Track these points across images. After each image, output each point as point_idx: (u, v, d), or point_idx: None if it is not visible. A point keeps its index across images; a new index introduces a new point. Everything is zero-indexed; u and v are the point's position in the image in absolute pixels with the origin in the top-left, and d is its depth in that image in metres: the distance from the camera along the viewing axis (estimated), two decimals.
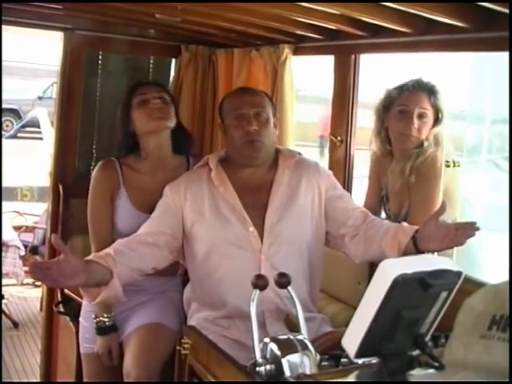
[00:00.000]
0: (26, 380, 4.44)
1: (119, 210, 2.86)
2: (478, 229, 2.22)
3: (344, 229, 2.58)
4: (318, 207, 2.61)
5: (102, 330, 2.79)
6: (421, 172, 2.84)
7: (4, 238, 5.49)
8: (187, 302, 2.73)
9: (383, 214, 3.08)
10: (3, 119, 15.38)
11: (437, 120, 2.87)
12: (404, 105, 2.88)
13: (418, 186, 2.85)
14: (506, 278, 1.43)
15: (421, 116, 2.85)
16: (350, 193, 3.12)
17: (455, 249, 2.94)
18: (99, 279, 2.21)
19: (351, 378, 1.64)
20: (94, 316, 2.80)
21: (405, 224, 2.48)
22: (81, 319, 2.98)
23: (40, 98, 16.99)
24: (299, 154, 2.74)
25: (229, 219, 2.53)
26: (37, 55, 17.25)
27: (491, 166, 8.14)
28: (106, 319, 2.78)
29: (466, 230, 2.23)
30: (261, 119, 2.55)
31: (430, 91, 2.87)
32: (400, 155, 2.93)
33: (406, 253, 2.33)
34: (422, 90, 2.88)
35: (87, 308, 2.92)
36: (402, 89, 2.92)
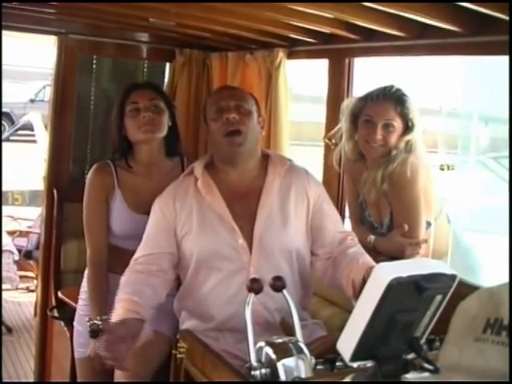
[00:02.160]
0: None
1: (114, 212, 2.85)
2: None
3: (320, 249, 2.52)
4: (305, 216, 2.53)
5: (95, 332, 2.78)
6: (393, 180, 2.80)
7: None
8: (177, 309, 2.70)
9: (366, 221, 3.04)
10: None
11: (407, 128, 2.82)
12: (369, 115, 2.84)
13: (394, 194, 2.83)
14: (499, 280, 1.43)
15: (386, 126, 2.80)
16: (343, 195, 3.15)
17: (449, 251, 2.97)
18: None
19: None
20: (87, 319, 2.79)
21: (362, 259, 2.34)
22: (75, 324, 2.97)
23: (32, 101, 16.99)
24: (289, 160, 2.65)
25: (217, 231, 2.44)
26: (28, 58, 17.21)
27: (480, 166, 8.14)
28: (100, 322, 2.77)
29: None
30: (241, 110, 2.47)
31: (397, 100, 2.80)
32: (371, 164, 2.91)
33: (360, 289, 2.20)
34: (387, 100, 2.82)
35: (81, 312, 2.92)
36: (367, 99, 2.88)
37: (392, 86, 2.85)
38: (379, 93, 2.86)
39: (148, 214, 2.60)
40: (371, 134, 2.81)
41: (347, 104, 2.99)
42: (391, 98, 2.82)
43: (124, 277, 2.46)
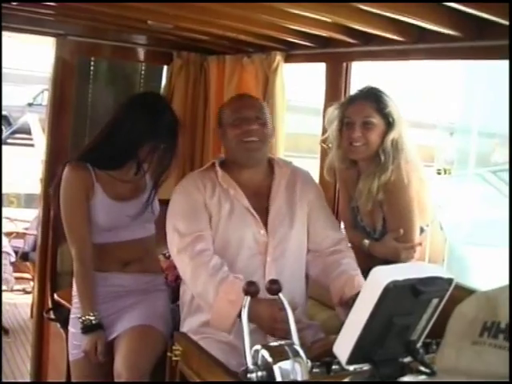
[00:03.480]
0: None
1: (97, 206, 2.86)
2: None
3: (311, 244, 2.67)
4: (306, 213, 2.69)
5: (88, 328, 2.80)
6: (388, 189, 2.80)
7: None
8: (182, 304, 2.72)
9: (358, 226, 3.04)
10: None
11: (388, 125, 2.81)
12: (348, 117, 2.84)
13: (389, 200, 2.84)
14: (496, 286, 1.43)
15: (365, 123, 2.80)
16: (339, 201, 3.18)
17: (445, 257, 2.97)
18: None
19: None
20: (79, 316, 2.81)
21: (356, 277, 2.48)
22: (69, 326, 2.98)
23: (30, 105, 16.91)
24: (291, 162, 2.81)
25: (245, 221, 2.57)
26: (27, 62, 17.19)
27: (478, 179, 8.14)
28: (93, 317, 2.79)
29: None
30: (260, 122, 2.62)
31: (374, 98, 2.81)
32: (363, 170, 2.90)
33: (348, 303, 2.34)
34: (364, 99, 2.83)
35: (74, 315, 2.94)
36: (346, 102, 2.91)
37: (369, 86, 2.87)
38: (356, 94, 2.89)
39: (127, 201, 2.82)
40: (351, 134, 2.82)
41: (331, 112, 2.99)
42: (367, 96, 2.83)
43: (192, 261, 2.44)
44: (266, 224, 2.58)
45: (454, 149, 9.16)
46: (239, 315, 2.18)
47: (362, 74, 3.35)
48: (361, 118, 2.80)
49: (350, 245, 2.82)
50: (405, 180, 2.77)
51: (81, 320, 2.80)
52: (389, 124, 2.80)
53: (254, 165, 2.65)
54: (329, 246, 2.65)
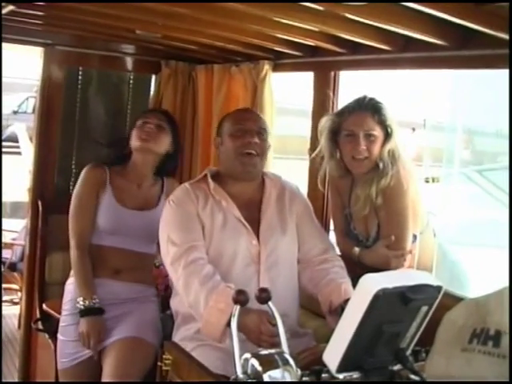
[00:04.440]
0: None
1: (103, 206, 3.00)
2: None
3: (300, 254, 2.69)
4: (295, 224, 2.70)
5: (89, 310, 2.85)
6: (387, 194, 2.80)
7: None
8: (176, 313, 2.71)
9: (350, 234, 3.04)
10: None
11: (387, 136, 2.82)
12: (349, 129, 2.83)
13: (386, 207, 2.82)
14: (486, 291, 1.44)
15: (368, 136, 2.80)
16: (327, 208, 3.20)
17: (434, 265, 2.97)
18: None
19: None
20: (81, 299, 2.86)
21: (343, 285, 2.48)
22: (59, 335, 2.99)
23: (15, 113, 16.87)
24: (280, 177, 2.83)
25: (238, 231, 2.58)
26: (11, 69, 17.13)
27: (463, 178, 8.15)
28: (95, 301, 2.86)
29: None
30: (261, 137, 2.65)
31: (373, 109, 2.81)
32: (361, 181, 2.89)
33: (337, 311, 2.38)
34: (364, 110, 2.82)
35: (65, 323, 2.96)
36: (343, 113, 2.88)
37: (365, 97, 2.86)
38: (354, 105, 2.86)
39: (133, 209, 2.89)
40: (355, 147, 2.80)
41: (324, 122, 2.96)
42: (367, 107, 2.82)
43: (184, 270, 2.44)
44: (257, 234, 2.59)
45: (415, 145, 9.17)
46: (229, 324, 2.16)
47: (349, 77, 3.35)
48: (363, 130, 2.79)
49: (339, 253, 2.83)
50: (404, 185, 2.79)
51: (82, 303, 2.84)
52: (387, 135, 2.81)
53: (249, 179, 2.67)
54: (317, 254, 2.66)
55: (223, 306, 2.26)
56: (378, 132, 2.80)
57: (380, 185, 2.79)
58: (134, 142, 3.07)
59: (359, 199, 2.87)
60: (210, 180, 2.65)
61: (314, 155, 3.16)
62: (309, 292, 2.65)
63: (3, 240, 6.62)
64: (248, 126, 2.64)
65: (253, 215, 2.63)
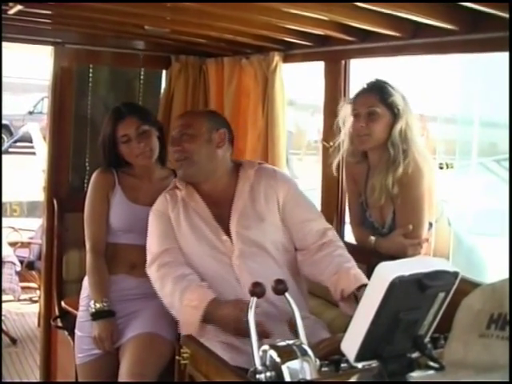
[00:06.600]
0: None
1: (114, 206, 3.03)
2: None
3: (298, 242, 2.66)
4: (277, 211, 2.66)
5: (100, 314, 2.87)
6: (403, 182, 2.80)
7: None
8: None
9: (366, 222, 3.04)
10: None
11: (394, 116, 2.82)
12: (355, 109, 2.89)
13: (402, 195, 2.82)
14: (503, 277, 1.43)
15: (369, 114, 2.83)
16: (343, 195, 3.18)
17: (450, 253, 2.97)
18: None
19: None
20: (92, 302, 2.89)
21: (352, 271, 2.44)
22: (76, 330, 3.02)
23: (31, 113, 16.96)
24: (259, 163, 2.83)
25: (203, 230, 2.62)
26: (26, 70, 17.21)
27: (482, 168, 8.11)
28: (106, 303, 2.88)
29: None
30: (186, 138, 2.65)
31: (379, 89, 2.85)
32: (377, 170, 2.89)
33: (350, 298, 2.38)
34: (370, 90, 2.88)
35: (82, 318, 2.99)
36: (354, 96, 2.96)
37: (375, 79, 2.91)
38: (363, 88, 2.93)
39: (146, 205, 2.85)
40: (356, 125, 2.86)
41: (343, 109, 3.00)
42: (372, 88, 2.89)
43: (158, 272, 2.58)
44: (229, 229, 2.61)
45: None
46: (203, 320, 2.36)
47: (361, 73, 3.36)
48: (365, 108, 2.84)
49: (354, 240, 2.82)
50: (421, 173, 2.78)
51: (92, 306, 2.87)
52: (394, 114, 2.81)
53: (195, 180, 2.70)
54: (315, 239, 2.61)
55: (196, 304, 2.38)
56: (380, 110, 2.82)
57: (396, 174, 2.79)
58: (134, 161, 3.06)
59: (375, 189, 2.86)
60: (177, 184, 2.73)
61: (326, 144, 3.17)
62: (315, 280, 2.61)
63: (20, 239, 6.68)
64: (173, 135, 2.71)
65: (224, 210, 2.64)
